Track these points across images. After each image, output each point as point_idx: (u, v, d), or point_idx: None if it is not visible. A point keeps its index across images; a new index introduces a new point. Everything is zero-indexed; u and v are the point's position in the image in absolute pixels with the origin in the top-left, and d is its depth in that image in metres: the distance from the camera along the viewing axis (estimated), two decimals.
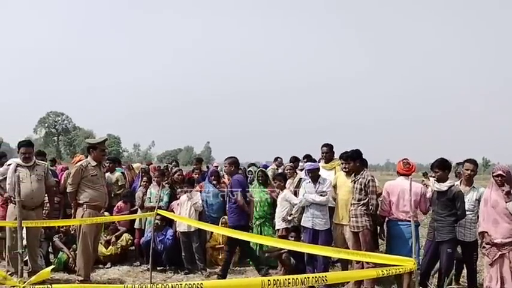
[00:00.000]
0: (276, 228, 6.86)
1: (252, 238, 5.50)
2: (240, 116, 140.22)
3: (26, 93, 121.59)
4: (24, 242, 6.51)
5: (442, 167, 5.50)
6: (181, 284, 2.69)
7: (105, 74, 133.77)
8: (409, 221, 5.00)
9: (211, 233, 7.33)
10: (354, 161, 5.94)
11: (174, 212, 7.03)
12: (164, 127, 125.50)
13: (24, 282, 2.78)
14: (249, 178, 8.24)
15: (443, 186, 5.43)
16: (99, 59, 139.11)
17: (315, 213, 6.13)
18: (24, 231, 6.33)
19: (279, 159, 9.70)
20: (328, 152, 7.09)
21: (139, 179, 8.29)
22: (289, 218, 6.61)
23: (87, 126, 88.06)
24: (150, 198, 7.44)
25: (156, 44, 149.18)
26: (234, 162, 6.75)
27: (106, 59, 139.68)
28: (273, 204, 7.09)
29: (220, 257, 7.25)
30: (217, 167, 12.13)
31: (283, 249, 6.10)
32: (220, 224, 7.08)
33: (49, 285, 2.67)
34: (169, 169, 8.96)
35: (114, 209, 7.75)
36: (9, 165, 6.58)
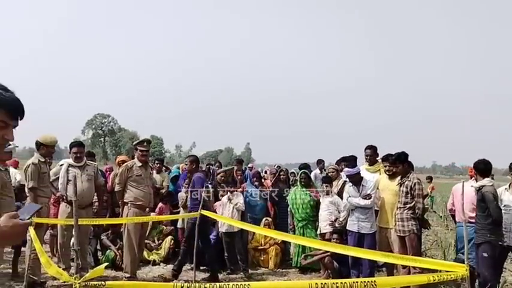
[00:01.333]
0: (321, 232, 6.75)
1: (296, 240, 5.47)
2: (281, 117, 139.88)
3: (74, 95, 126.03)
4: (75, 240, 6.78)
5: (480, 169, 5.36)
6: (228, 284, 2.70)
7: (149, 77, 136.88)
8: (470, 224, 4.88)
9: (253, 234, 7.35)
10: (402, 164, 5.82)
11: (216, 213, 7.09)
12: (205, 128, 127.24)
13: (79, 278, 2.87)
14: (291, 180, 8.20)
15: (476, 187, 5.30)
16: (144, 62, 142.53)
17: (360, 216, 6.05)
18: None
19: (321, 161, 9.59)
20: (372, 155, 6.96)
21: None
22: (338, 226, 6.48)
23: (131, 127, 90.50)
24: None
25: (198, 48, 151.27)
26: (194, 161, 7.08)
27: (150, 63, 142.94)
28: (315, 206, 7.04)
29: (262, 258, 7.27)
30: (251, 168, 12.16)
31: (326, 252, 6.05)
32: (262, 225, 7.09)
33: (102, 282, 2.75)
34: (212, 170, 9.05)
35: (156, 210, 7.90)
36: (61, 165, 6.85)
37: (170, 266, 7.21)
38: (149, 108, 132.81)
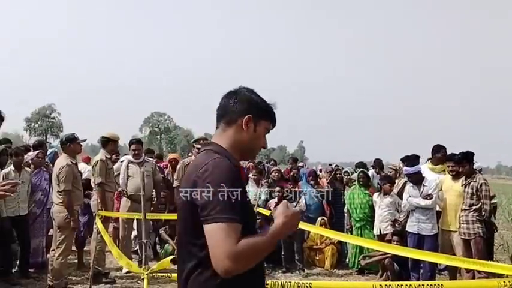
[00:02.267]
0: (382, 233, 6.55)
1: (355, 240, 5.36)
2: (335, 116, 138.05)
3: (132, 94, 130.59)
4: (135, 233, 7.02)
5: None
6: (290, 282, 2.70)
7: (203, 76, 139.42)
8: None
9: (309, 233, 7.29)
10: (469, 164, 5.56)
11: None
12: None
13: (147, 270, 2.96)
14: (344, 179, 8.05)
15: None
16: (200, 62, 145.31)
17: (421, 217, 5.85)
18: (135, 223, 6.82)
19: (378, 161, 9.33)
20: (439, 154, 6.69)
21: None
22: (398, 227, 6.30)
23: (186, 125, 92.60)
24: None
25: (249, 45, 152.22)
26: None
27: (206, 63, 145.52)
28: (373, 207, 6.87)
29: (317, 257, 7.19)
30: (302, 166, 12.06)
31: (386, 253, 5.89)
32: (318, 225, 7.01)
33: (169, 274, 2.82)
34: (266, 168, 9.08)
35: None
36: (121, 161, 7.12)
37: None
38: (203, 107, 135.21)
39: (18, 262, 6.07)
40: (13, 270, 5.98)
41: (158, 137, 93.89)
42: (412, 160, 6.47)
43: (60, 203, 5.41)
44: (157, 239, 7.75)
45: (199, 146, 6.65)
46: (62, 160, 5.56)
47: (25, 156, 6.26)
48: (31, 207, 6.10)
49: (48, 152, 7.22)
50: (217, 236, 1.59)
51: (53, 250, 5.47)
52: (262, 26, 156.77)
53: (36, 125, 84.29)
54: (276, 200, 7.32)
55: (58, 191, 5.43)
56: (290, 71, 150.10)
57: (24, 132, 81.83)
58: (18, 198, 5.60)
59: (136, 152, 6.79)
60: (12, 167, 5.80)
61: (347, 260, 7.25)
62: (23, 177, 5.74)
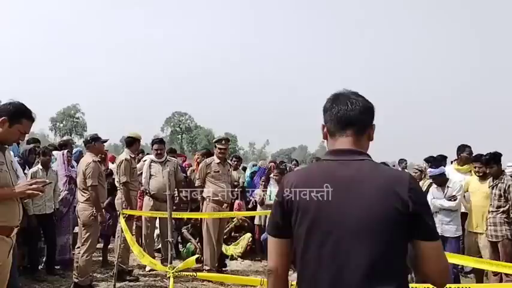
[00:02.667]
0: None
1: None
2: None
3: (154, 94, 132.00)
4: (157, 232, 7.09)
5: None
6: None
7: (224, 76, 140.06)
8: None
9: None
10: (497, 165, 5.45)
11: None
12: (279, 126, 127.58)
13: (173, 268, 2.98)
14: None
15: None
16: (221, 63, 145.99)
17: (444, 219, 5.75)
18: (157, 221, 6.89)
19: (404, 161, 9.20)
20: (464, 153, 6.57)
21: (259, 177, 8.52)
22: None
23: (207, 125, 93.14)
24: (270, 196, 7.57)
25: (271, 45, 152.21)
26: (205, 154, 7.77)
27: (227, 63, 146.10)
28: None
29: None
30: None
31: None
32: None
33: (194, 273, 2.85)
34: (288, 168, 9.06)
35: (235, 206, 8.02)
36: (144, 161, 7.21)
37: (247, 262, 7.34)
38: (224, 106, 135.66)
39: (44, 259, 6.20)
40: (40, 267, 6.11)
41: (179, 136, 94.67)
42: (438, 161, 6.36)
43: (85, 200, 5.50)
44: (179, 238, 7.81)
45: (221, 146, 6.68)
46: (88, 157, 5.67)
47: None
48: (57, 206, 6.22)
49: (74, 151, 7.34)
50: (439, 251, 1.64)
51: (78, 247, 5.56)
52: (284, 26, 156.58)
53: (61, 125, 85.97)
54: None
55: (83, 188, 5.54)
56: (311, 70, 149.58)
57: (49, 131, 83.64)
58: (45, 197, 5.71)
59: (159, 152, 6.87)
60: (40, 166, 5.92)
61: None
62: (50, 176, 5.85)
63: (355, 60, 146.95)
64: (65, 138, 8.85)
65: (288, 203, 1.72)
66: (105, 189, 5.90)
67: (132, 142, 6.36)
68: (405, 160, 9.32)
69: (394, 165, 8.51)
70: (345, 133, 1.76)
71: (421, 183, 6.87)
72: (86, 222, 5.48)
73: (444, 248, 5.41)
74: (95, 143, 5.75)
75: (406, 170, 8.85)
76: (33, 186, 3.01)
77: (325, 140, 1.83)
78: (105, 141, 6.01)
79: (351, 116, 1.76)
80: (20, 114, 3.07)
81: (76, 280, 5.43)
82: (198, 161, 8.41)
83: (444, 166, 6.62)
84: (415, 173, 7.39)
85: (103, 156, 7.56)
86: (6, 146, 3.16)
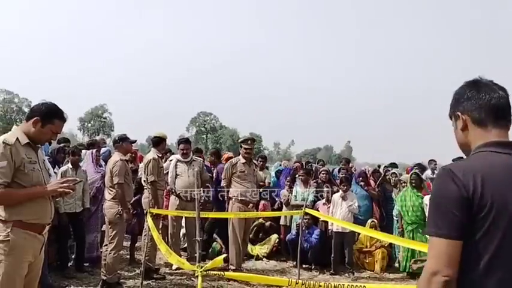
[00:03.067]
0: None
1: (407, 243, 5.20)
2: (383, 115, 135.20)
3: (179, 94, 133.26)
4: (183, 231, 7.14)
5: None
6: (343, 285, 2.64)
7: (249, 77, 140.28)
8: None
9: (358, 235, 7.17)
10: None
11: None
12: (304, 126, 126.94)
13: (201, 268, 2.99)
14: (392, 181, 7.84)
15: None
16: (244, 62, 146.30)
17: None
18: (183, 221, 6.94)
19: (433, 162, 8.99)
20: None
21: (284, 177, 8.49)
22: None
23: (232, 125, 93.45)
24: (296, 196, 7.54)
25: (298, 45, 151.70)
26: (214, 153, 8.02)
27: (253, 63, 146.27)
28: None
29: (367, 261, 7.05)
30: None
31: None
32: (368, 227, 6.86)
33: (222, 272, 2.85)
34: (315, 168, 9.00)
35: (260, 206, 8.01)
36: (170, 160, 7.27)
37: (273, 262, 7.32)
38: (248, 106, 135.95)
39: (73, 256, 6.32)
40: (69, 264, 6.23)
41: (204, 136, 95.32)
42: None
43: (112, 198, 5.59)
44: (204, 236, 7.83)
45: (247, 146, 6.68)
46: (116, 156, 5.77)
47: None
48: (88, 205, 6.32)
49: (103, 151, 7.44)
50: None
51: (106, 245, 5.65)
52: (306, 27, 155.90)
53: (89, 125, 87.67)
54: (323, 201, 7.25)
55: (110, 186, 5.63)
56: (338, 70, 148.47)
57: (78, 131, 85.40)
58: (75, 196, 5.82)
59: (185, 152, 6.92)
60: (69, 165, 6.04)
61: (396, 263, 7.08)
62: (79, 175, 5.95)
63: (379, 61, 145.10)
64: (97, 138, 9.06)
65: (478, 198, 1.49)
66: (131, 188, 5.98)
67: (158, 142, 6.43)
68: (434, 161, 9.13)
69: (414, 166, 8.35)
70: (500, 123, 1.64)
71: None
72: (112, 220, 5.57)
73: None
74: (122, 142, 5.85)
75: (436, 172, 8.69)
76: (65, 184, 3.08)
77: (465, 131, 1.68)
78: (134, 141, 6.10)
79: (504, 105, 1.65)
80: (52, 114, 3.13)
81: (104, 277, 5.52)
82: (209, 161, 8.44)
83: None
84: None
85: (133, 155, 7.67)
86: (39, 146, 3.23)
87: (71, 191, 3.12)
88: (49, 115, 3.12)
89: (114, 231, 5.55)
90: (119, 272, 5.80)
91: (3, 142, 2.95)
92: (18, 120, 76.68)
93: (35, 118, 3.07)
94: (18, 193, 2.97)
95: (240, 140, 7.13)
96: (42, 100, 3.20)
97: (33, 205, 3.02)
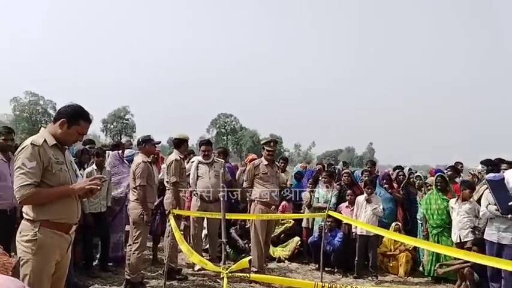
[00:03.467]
0: (462, 240, 6.20)
1: (433, 247, 5.10)
2: (406, 118, 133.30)
3: (201, 96, 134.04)
4: (205, 232, 7.15)
5: None
6: None
7: (270, 79, 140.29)
8: None
9: (382, 238, 7.07)
10: None
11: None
12: (325, 127, 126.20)
13: (226, 269, 2.99)
14: (416, 183, 7.70)
15: None
16: (265, 63, 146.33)
17: (501, 226, 5.44)
18: (205, 222, 6.96)
19: (458, 165, 8.78)
20: None
21: (306, 179, 8.44)
22: (478, 234, 5.93)
23: (252, 126, 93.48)
24: (318, 198, 7.48)
25: (320, 47, 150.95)
26: (222, 152, 7.87)
27: (274, 64, 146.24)
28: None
29: (391, 264, 6.95)
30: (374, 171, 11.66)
31: (466, 262, 5.58)
32: (392, 230, 6.76)
33: (247, 274, 2.83)
34: (337, 170, 8.93)
35: (280, 208, 7.98)
36: (192, 162, 7.29)
37: (295, 264, 7.28)
38: (269, 107, 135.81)
39: (98, 256, 6.40)
40: (94, 264, 6.30)
41: (225, 137, 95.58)
42: (495, 164, 6.03)
43: (136, 199, 5.64)
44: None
45: (269, 148, 6.66)
46: (139, 158, 5.82)
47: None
48: (111, 204, 6.40)
49: (128, 152, 7.49)
50: None
51: (130, 245, 5.70)
52: (326, 27, 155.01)
53: (112, 126, 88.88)
54: (346, 203, 7.17)
55: (133, 187, 5.69)
56: (360, 71, 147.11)
57: (100, 132, 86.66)
58: (100, 196, 5.89)
59: (206, 153, 6.92)
60: (94, 166, 6.12)
61: (421, 267, 6.95)
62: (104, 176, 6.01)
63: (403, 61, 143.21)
64: (123, 140, 9.18)
65: None
66: (154, 190, 6.02)
67: (180, 143, 6.45)
68: (461, 163, 8.93)
69: (445, 168, 8.17)
70: None
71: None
72: (135, 220, 5.62)
73: (501, 256, 5.18)
74: (145, 144, 5.89)
75: (461, 174, 8.51)
76: (92, 182, 3.11)
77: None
78: (157, 143, 6.12)
79: None
80: (78, 116, 3.18)
81: (128, 277, 5.57)
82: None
83: (499, 170, 6.31)
84: (469, 176, 7.10)
85: (155, 157, 7.72)
86: (66, 147, 3.28)
87: (99, 188, 3.15)
88: (75, 117, 3.16)
89: (138, 232, 5.60)
90: (142, 272, 5.84)
91: (32, 143, 3.00)
92: (43, 121, 78.29)
93: (62, 120, 3.12)
94: (48, 192, 3.02)
95: (262, 142, 7.11)
96: (69, 102, 3.24)
97: (61, 205, 3.07)
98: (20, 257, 3.02)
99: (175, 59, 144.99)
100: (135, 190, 5.67)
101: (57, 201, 3.05)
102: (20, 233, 3.04)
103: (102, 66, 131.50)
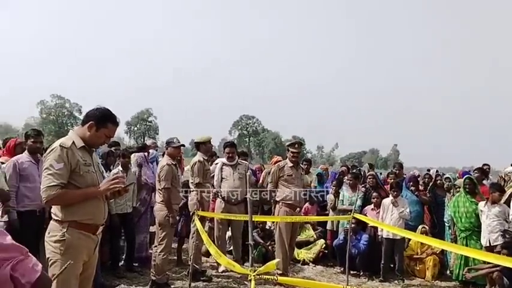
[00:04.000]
0: (492, 244, 6.05)
1: (462, 251, 4.98)
2: (432, 118, 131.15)
3: (223, 98, 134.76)
4: (229, 234, 7.15)
5: None
6: None
7: (289, 78, 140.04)
8: None
9: (408, 241, 6.95)
10: None
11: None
12: (348, 129, 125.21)
13: (254, 271, 2.98)
14: (445, 185, 7.53)
15: None
16: (285, 65, 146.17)
17: None
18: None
19: (485, 166, 8.57)
20: None
21: (330, 181, 8.37)
22: (508, 238, 5.78)
23: (274, 128, 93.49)
24: (342, 200, 7.39)
25: (345, 48, 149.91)
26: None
27: (295, 67, 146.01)
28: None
29: (418, 268, 6.82)
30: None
31: (496, 266, 5.43)
32: (419, 233, 6.64)
33: (275, 277, 2.82)
34: (363, 172, 8.83)
35: (302, 210, 7.92)
36: (216, 164, 7.29)
37: (320, 267, 7.21)
38: (291, 109, 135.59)
39: (124, 256, 6.47)
40: (120, 264, 6.37)
41: (247, 139, 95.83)
42: None
43: (161, 201, 5.68)
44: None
45: (294, 150, 6.62)
46: (164, 160, 5.87)
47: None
48: (136, 205, 6.46)
49: (152, 154, 7.56)
50: None
51: (155, 246, 5.74)
52: (347, 28, 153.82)
53: (135, 128, 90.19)
54: (372, 206, 7.07)
55: (159, 189, 5.73)
56: (375, 72, 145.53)
57: (124, 134, 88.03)
58: (125, 197, 5.95)
59: (230, 155, 6.92)
60: (120, 168, 6.18)
61: (448, 271, 6.81)
62: (129, 177, 6.08)
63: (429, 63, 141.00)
64: (149, 142, 9.30)
65: None
66: (178, 192, 6.04)
67: (202, 145, 6.45)
68: (488, 165, 8.71)
69: (472, 170, 7.99)
70: None
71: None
72: (161, 222, 5.66)
73: None
74: (168, 147, 5.93)
75: (490, 176, 8.30)
76: (115, 180, 3.14)
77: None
78: (180, 145, 6.10)
79: None
80: (106, 119, 3.22)
81: (153, 278, 5.61)
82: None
83: None
84: (500, 178, 6.93)
85: (178, 159, 7.76)
86: (94, 149, 3.32)
87: (121, 187, 3.16)
88: (103, 120, 3.20)
89: (164, 233, 5.64)
90: (167, 273, 5.88)
91: (60, 145, 3.06)
92: (69, 124, 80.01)
93: (90, 122, 3.17)
94: (74, 193, 3.06)
95: (287, 144, 7.07)
96: (97, 105, 3.28)
97: (88, 206, 3.11)
98: (48, 257, 3.07)
99: (197, 61, 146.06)
100: (160, 192, 5.72)
101: (84, 203, 3.09)
102: (49, 233, 3.09)
103: (127, 70, 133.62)
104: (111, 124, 3.25)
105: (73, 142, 3.11)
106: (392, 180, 7.46)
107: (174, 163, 5.90)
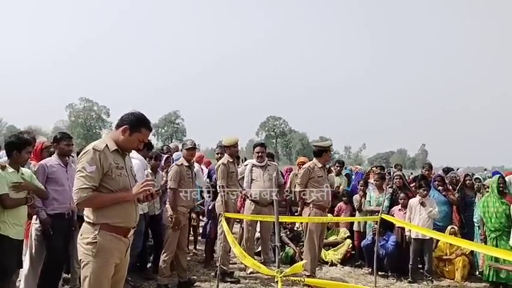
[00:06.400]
0: None
1: (491, 251, 4.90)
2: (458, 116, 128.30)
3: (251, 99, 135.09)
4: (258, 235, 7.20)
5: None
6: None
7: (316, 78, 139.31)
8: None
9: (437, 242, 6.86)
10: None
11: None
12: (376, 129, 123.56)
13: (281, 273, 3.02)
14: (475, 186, 7.38)
15: None
16: (314, 64, 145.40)
17: None
18: (258, 225, 7.01)
19: None
20: None
21: (356, 181, 8.33)
22: None
23: (301, 129, 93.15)
24: (369, 201, 7.35)
25: (367, 47, 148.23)
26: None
27: (318, 65, 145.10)
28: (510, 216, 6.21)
29: (447, 269, 6.73)
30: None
31: None
32: (448, 234, 6.55)
33: (302, 278, 2.85)
34: (392, 173, 8.74)
35: (336, 209, 7.92)
36: (246, 165, 7.34)
37: (347, 268, 7.19)
38: (318, 110, 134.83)
39: (152, 258, 6.58)
40: (148, 266, 6.49)
41: (274, 140, 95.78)
42: None
43: (168, 201, 5.81)
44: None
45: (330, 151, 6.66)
46: (178, 162, 5.98)
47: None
48: (162, 209, 6.57)
49: (177, 156, 7.67)
50: None
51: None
52: (376, 29, 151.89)
53: (163, 130, 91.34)
54: (399, 207, 7.01)
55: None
56: (403, 72, 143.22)
57: (152, 137, 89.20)
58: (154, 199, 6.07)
59: (260, 154, 6.91)
60: (149, 170, 6.29)
61: (477, 272, 6.69)
62: (158, 180, 6.20)
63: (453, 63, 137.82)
64: (171, 145, 9.49)
65: None
66: (189, 194, 6.05)
67: (228, 147, 6.52)
68: None
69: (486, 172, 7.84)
70: None
71: None
72: (165, 222, 5.83)
73: None
74: (183, 149, 6.10)
75: None
76: (145, 183, 3.20)
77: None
78: (192, 147, 6.07)
79: None
80: (140, 123, 3.30)
81: (181, 280, 5.72)
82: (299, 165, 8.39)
83: None
84: None
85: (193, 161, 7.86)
86: (127, 153, 3.40)
87: (151, 191, 3.22)
88: (137, 124, 3.28)
89: (167, 234, 5.77)
90: (194, 276, 5.95)
91: (93, 148, 3.14)
92: (97, 127, 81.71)
93: (124, 126, 3.25)
94: (105, 197, 3.13)
95: (317, 145, 7.07)
96: (132, 110, 3.36)
97: (120, 209, 3.17)
98: (80, 259, 3.14)
99: (224, 63, 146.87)
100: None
101: (116, 205, 3.14)
102: (81, 235, 3.16)
103: (154, 73, 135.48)
104: (145, 129, 3.32)
105: (106, 145, 3.18)
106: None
107: (186, 164, 5.93)
